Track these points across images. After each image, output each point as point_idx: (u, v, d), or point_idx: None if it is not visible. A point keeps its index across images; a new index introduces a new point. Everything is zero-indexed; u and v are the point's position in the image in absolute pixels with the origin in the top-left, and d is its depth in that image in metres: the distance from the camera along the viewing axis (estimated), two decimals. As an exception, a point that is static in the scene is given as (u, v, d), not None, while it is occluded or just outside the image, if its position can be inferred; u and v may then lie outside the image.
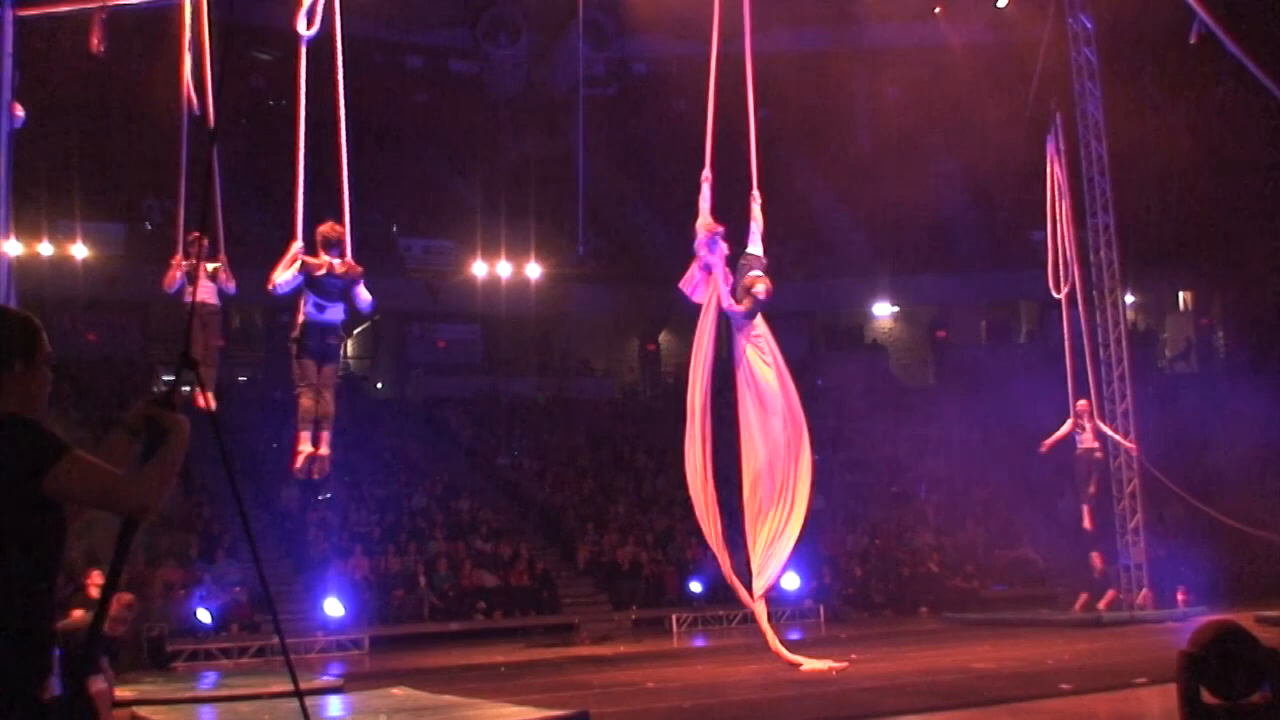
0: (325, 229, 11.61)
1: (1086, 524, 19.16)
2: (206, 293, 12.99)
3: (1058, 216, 19.51)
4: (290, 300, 11.96)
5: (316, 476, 11.57)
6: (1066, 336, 19.66)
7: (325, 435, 11.58)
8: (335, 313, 11.59)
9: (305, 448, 11.53)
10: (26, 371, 3.38)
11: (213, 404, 12.40)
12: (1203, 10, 16.52)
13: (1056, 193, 19.51)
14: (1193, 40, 17.18)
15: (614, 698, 12.76)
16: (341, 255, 11.58)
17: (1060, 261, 19.52)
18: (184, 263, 12.86)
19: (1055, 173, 19.50)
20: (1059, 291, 19.53)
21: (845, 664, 14.04)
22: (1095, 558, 20.90)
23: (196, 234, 13.07)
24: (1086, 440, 19.10)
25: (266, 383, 27.01)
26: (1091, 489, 19.12)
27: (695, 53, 28.06)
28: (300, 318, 11.70)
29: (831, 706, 11.66)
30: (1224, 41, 16.59)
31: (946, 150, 32.17)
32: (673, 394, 33.42)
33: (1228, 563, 21.11)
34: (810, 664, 14.03)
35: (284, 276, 11.49)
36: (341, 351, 11.44)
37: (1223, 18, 16.98)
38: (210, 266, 12.96)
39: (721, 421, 14.07)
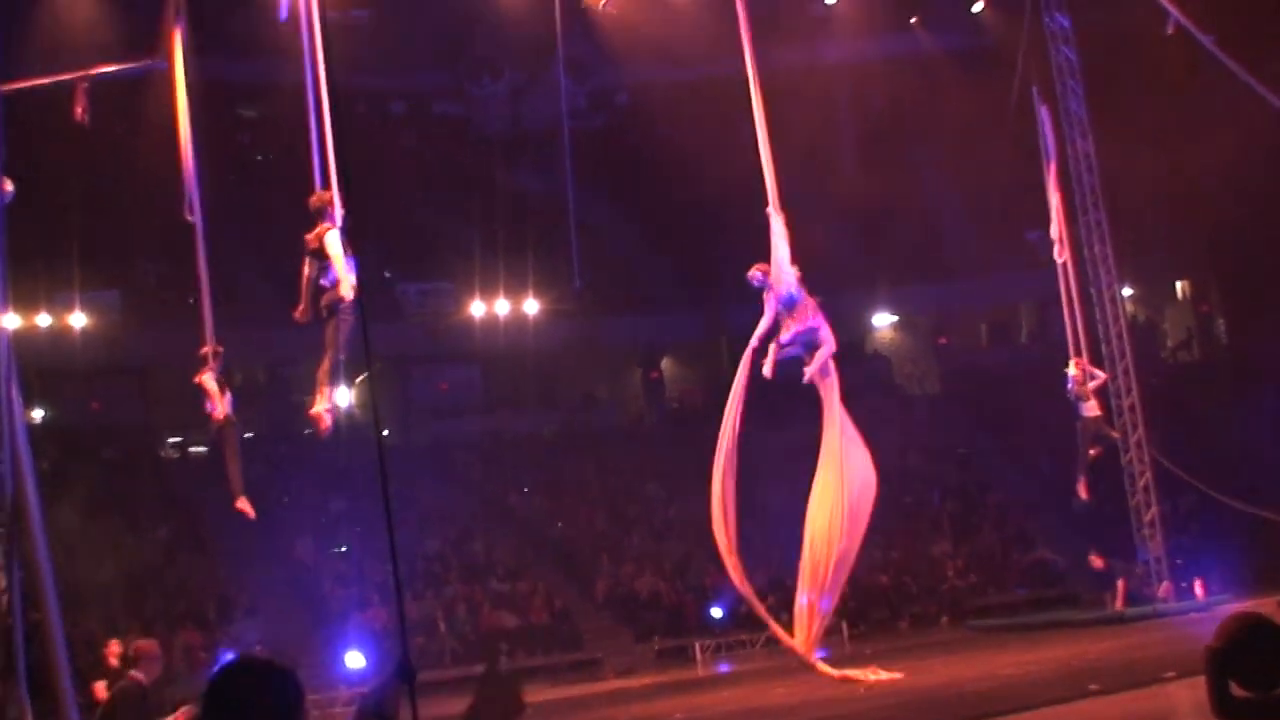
0: (312, 199, 11.61)
1: (1082, 493, 18.98)
2: (229, 405, 13.20)
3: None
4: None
5: (326, 426, 11.59)
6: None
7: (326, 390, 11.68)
8: (332, 274, 11.51)
9: (318, 406, 11.57)
10: None
11: (248, 510, 12.79)
12: (1173, 7, 16.60)
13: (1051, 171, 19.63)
14: (1170, 31, 17.25)
15: (642, 731, 12.69)
16: (334, 223, 11.49)
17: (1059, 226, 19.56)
18: (210, 376, 13.08)
19: (1049, 139, 19.57)
20: (1060, 255, 19.46)
21: (873, 674, 14.19)
22: (1093, 559, 20.84)
23: (214, 348, 13.17)
24: (1091, 409, 18.97)
25: (271, 438, 26.97)
26: (1091, 453, 18.93)
27: (676, 79, 28.30)
28: None
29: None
30: (1195, 34, 16.66)
31: (935, 157, 32.21)
32: (678, 420, 33.41)
33: (1245, 549, 21.02)
34: (854, 674, 14.17)
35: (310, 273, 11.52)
36: (349, 309, 11.29)
37: (1198, 8, 17.06)
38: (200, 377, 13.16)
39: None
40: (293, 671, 2.97)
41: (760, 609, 14.63)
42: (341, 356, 11.69)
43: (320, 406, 11.77)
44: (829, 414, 14.52)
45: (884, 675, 14.30)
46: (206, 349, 13.24)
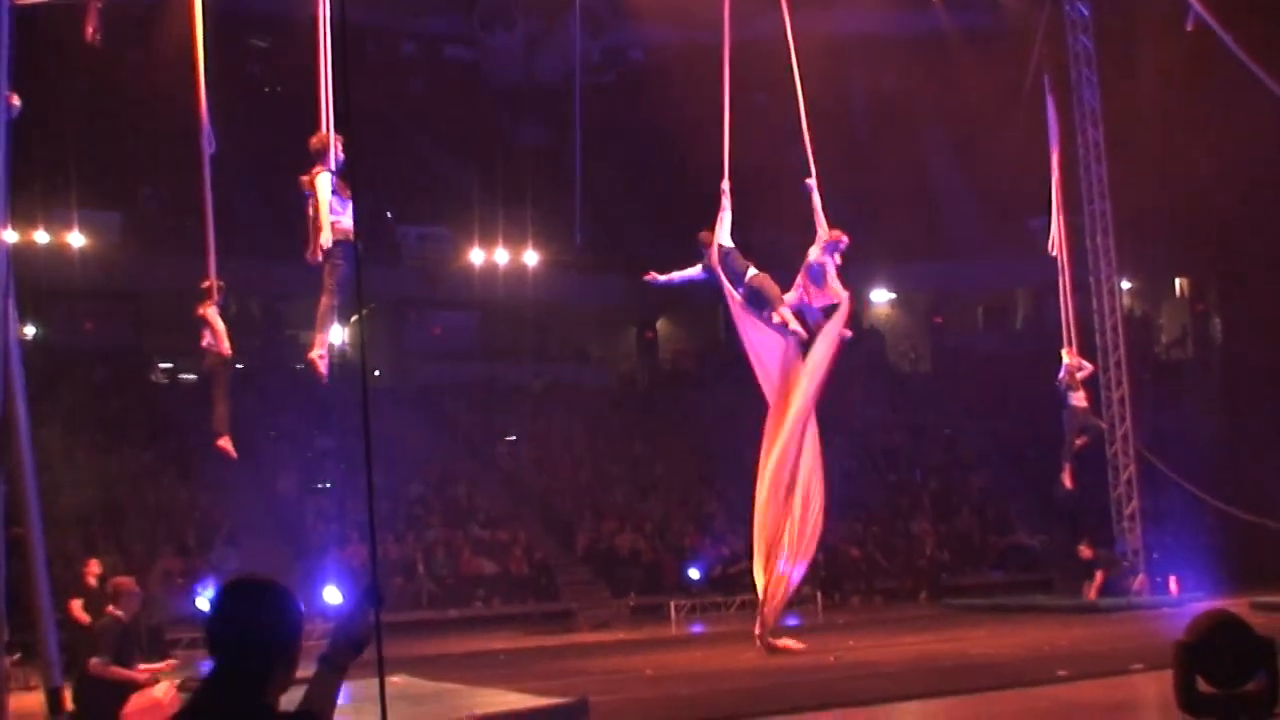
0: (313, 140, 11.52)
1: (1067, 482, 19.16)
2: (214, 341, 13.01)
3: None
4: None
5: (322, 371, 11.70)
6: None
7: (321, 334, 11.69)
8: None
9: (314, 351, 11.62)
10: (297, 659, 3.02)
11: (230, 450, 12.72)
12: (1197, 1, 16.53)
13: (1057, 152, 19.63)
14: (1189, 28, 17.19)
15: (613, 685, 12.80)
16: (328, 166, 11.40)
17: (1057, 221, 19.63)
18: (209, 309, 12.92)
19: (1054, 129, 19.58)
20: (1051, 248, 19.60)
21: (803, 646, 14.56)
22: (1082, 549, 20.96)
23: (216, 281, 13.04)
24: (1079, 399, 19.12)
25: (263, 370, 26.97)
26: (1078, 442, 19.09)
27: (691, 40, 28.10)
28: None
29: (829, 693, 11.71)
30: (1218, 31, 16.60)
31: (943, 137, 32.12)
32: (670, 382, 33.47)
33: (1223, 549, 21.18)
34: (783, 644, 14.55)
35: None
36: (339, 252, 11.30)
37: (1218, 7, 16.98)
38: (205, 310, 12.99)
39: None
40: (293, 594, 3.00)
41: (762, 578, 14.83)
42: (334, 301, 11.66)
43: (316, 351, 11.77)
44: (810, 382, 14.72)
45: (796, 645, 14.89)
46: (210, 282, 13.14)
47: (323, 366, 11.74)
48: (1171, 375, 31.03)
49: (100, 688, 9.38)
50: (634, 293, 33.75)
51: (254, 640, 2.89)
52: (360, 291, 7.51)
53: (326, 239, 11.28)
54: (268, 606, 2.95)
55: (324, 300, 11.70)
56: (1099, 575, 20.47)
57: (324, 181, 11.38)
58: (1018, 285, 35.22)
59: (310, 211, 11.65)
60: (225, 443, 12.96)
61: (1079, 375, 19.08)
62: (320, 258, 11.45)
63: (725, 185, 14.92)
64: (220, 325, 13.05)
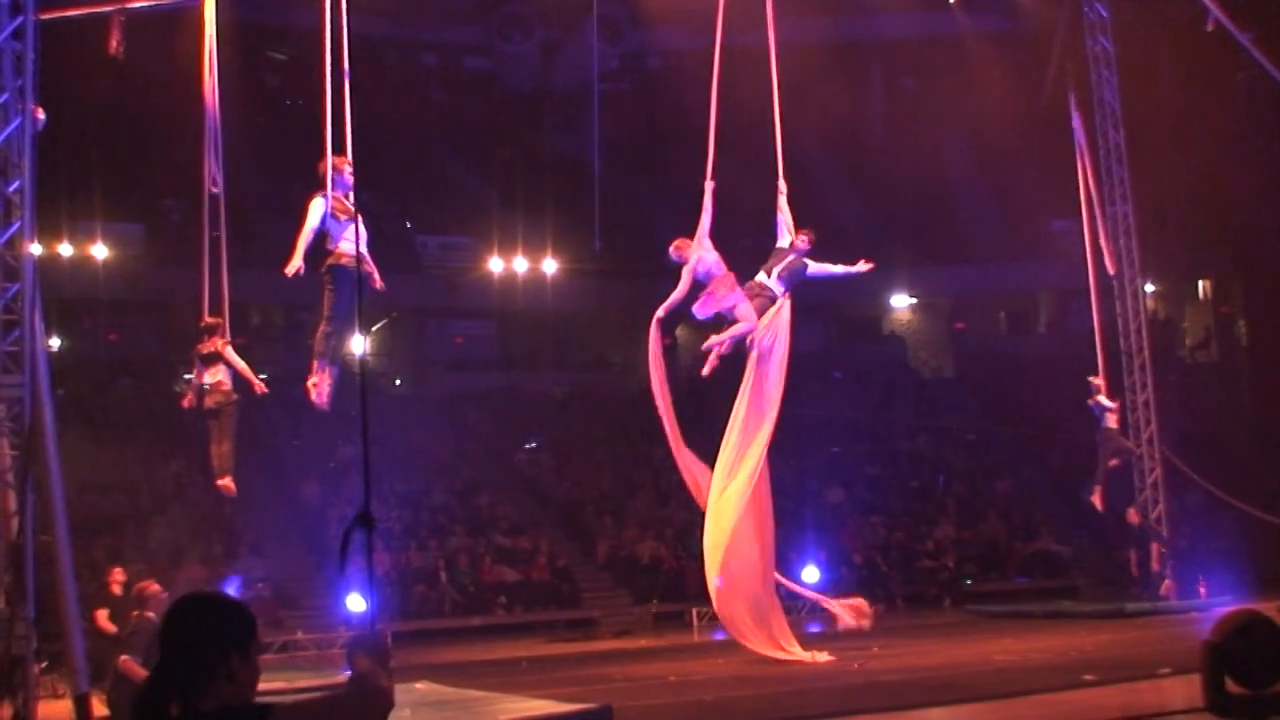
0: (320, 165, 11.44)
1: (1098, 504, 19.11)
2: (225, 378, 12.90)
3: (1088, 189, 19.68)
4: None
5: (325, 399, 11.55)
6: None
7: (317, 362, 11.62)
8: (336, 237, 11.44)
9: (311, 379, 11.50)
10: (243, 666, 3.21)
11: (232, 488, 12.54)
12: (1214, 3, 16.46)
13: (1084, 166, 19.61)
14: (1210, 28, 17.11)
15: (636, 692, 12.79)
16: (325, 191, 11.34)
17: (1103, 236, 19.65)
18: (226, 346, 12.88)
19: (1081, 142, 19.57)
20: (1112, 268, 19.66)
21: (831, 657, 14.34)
22: (1131, 513, 20.77)
23: (213, 320, 12.99)
24: (1111, 420, 19.11)
25: (286, 380, 27.06)
26: (1112, 462, 19.07)
27: (709, 46, 28.15)
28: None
29: (854, 699, 11.66)
30: (1234, 32, 16.53)
31: (963, 140, 32.03)
32: (689, 388, 33.45)
33: (1250, 552, 21.01)
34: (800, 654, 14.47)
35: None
36: (331, 276, 11.23)
37: (1238, 7, 16.93)
38: (224, 347, 12.91)
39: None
40: (241, 604, 3.31)
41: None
42: (329, 328, 11.47)
43: (311, 379, 11.64)
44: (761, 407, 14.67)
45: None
46: (218, 320, 13.08)
47: (315, 395, 11.57)
48: (1196, 377, 30.84)
49: (131, 687, 9.46)
50: (653, 299, 33.77)
51: (186, 644, 3.17)
52: (359, 317, 7.46)
53: (294, 266, 11.14)
54: (198, 616, 3.23)
55: (321, 327, 11.55)
56: (1156, 547, 20.30)
57: (315, 206, 11.20)
58: (1040, 288, 35.09)
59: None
60: (227, 482, 12.83)
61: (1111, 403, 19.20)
62: (294, 274, 11.27)
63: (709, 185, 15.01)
64: (241, 363, 12.96)
